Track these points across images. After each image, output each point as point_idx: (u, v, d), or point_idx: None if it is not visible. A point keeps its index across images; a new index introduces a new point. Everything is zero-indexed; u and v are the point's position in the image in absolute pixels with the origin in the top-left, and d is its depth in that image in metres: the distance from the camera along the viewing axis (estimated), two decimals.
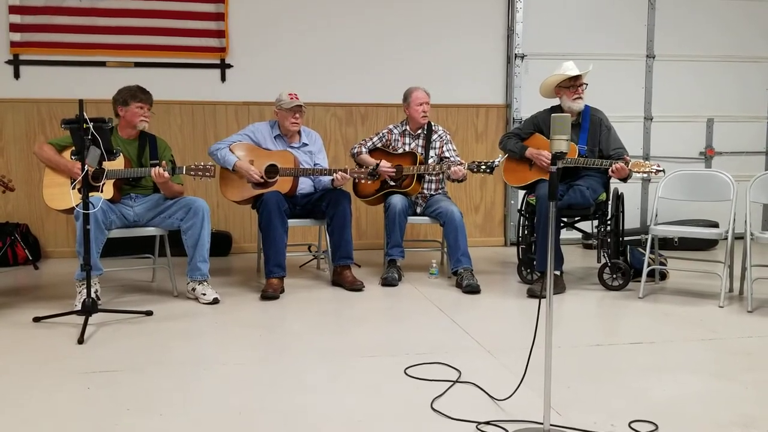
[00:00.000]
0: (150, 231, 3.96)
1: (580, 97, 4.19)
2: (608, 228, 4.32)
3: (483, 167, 4.23)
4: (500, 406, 2.38)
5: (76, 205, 3.39)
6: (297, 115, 4.30)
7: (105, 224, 3.70)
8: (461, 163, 4.35)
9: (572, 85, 4.19)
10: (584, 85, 4.20)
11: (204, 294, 3.84)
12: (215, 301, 3.82)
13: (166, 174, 3.76)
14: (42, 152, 3.84)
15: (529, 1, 5.74)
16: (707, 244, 5.58)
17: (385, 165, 4.37)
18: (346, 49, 5.55)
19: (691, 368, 2.81)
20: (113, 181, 3.79)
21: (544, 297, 2.17)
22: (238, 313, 3.66)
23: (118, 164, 3.75)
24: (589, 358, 2.95)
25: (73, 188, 3.68)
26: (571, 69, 4.17)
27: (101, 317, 3.42)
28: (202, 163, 3.84)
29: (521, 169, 4.31)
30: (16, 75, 5.16)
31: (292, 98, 4.27)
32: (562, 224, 4.40)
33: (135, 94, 3.89)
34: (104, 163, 3.34)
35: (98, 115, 3.32)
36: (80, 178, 3.27)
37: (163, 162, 3.84)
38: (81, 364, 2.82)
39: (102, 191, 3.63)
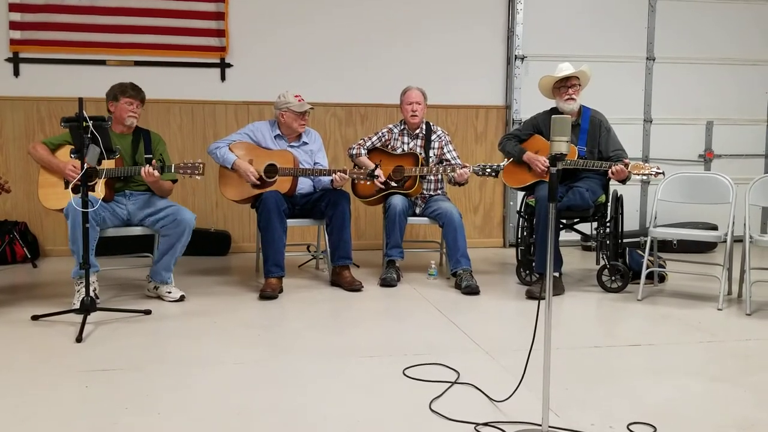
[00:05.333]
0: (141, 230, 3.92)
1: (572, 98, 4.17)
2: (607, 230, 4.32)
3: (488, 170, 4.24)
4: (499, 408, 2.38)
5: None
6: (306, 117, 4.32)
7: (96, 221, 3.66)
8: (465, 166, 4.34)
9: (563, 86, 4.19)
10: (576, 86, 4.19)
11: (169, 292, 3.84)
12: (182, 299, 3.82)
13: (156, 173, 3.71)
14: (35, 152, 3.82)
15: (530, 2, 5.75)
16: (706, 247, 5.58)
17: (380, 180, 4.30)
18: (346, 50, 5.55)
19: (689, 371, 2.81)
20: (104, 180, 3.76)
21: (543, 298, 2.17)
22: (236, 313, 3.66)
23: (108, 162, 3.72)
24: (588, 360, 2.95)
25: (66, 188, 3.67)
26: (563, 70, 4.18)
27: (100, 316, 3.42)
28: (191, 161, 3.78)
29: (520, 171, 4.30)
30: (16, 73, 5.15)
31: (299, 100, 4.27)
32: (561, 226, 4.41)
33: (125, 90, 3.87)
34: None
35: (98, 113, 3.31)
36: (79, 177, 3.26)
37: (153, 161, 3.79)
38: (79, 362, 2.81)
39: (95, 191, 3.62)
